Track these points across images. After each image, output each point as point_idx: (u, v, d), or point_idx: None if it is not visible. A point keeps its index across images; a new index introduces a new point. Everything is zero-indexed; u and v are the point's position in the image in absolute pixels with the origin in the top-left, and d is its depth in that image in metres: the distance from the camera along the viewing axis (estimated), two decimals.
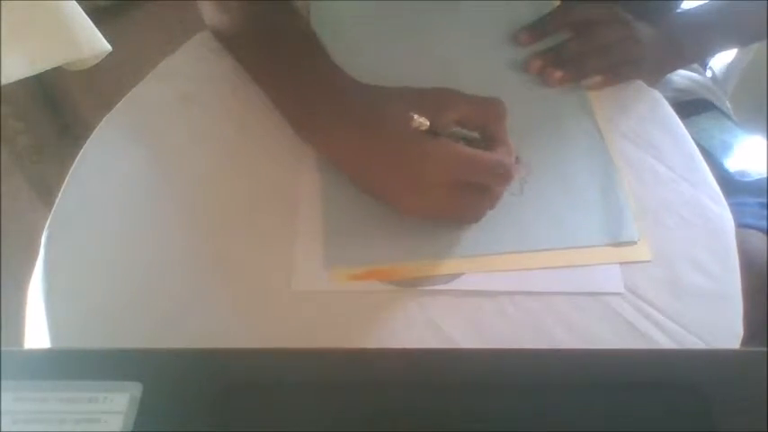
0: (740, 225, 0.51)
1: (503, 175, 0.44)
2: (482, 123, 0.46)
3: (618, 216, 0.48)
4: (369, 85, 0.48)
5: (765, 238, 0.60)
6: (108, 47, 0.74)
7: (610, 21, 0.58)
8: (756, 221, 0.61)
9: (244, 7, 0.54)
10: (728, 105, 0.78)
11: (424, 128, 0.42)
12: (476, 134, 0.47)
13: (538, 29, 0.58)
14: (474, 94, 0.46)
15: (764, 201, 0.64)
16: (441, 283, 0.45)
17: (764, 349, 0.29)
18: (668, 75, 0.74)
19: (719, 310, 0.44)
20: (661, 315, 0.44)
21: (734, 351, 0.40)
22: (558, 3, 0.61)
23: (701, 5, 0.67)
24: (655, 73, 0.61)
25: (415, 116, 0.42)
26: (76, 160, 0.49)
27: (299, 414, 0.27)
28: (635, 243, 0.47)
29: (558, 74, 0.55)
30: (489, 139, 0.46)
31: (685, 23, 0.65)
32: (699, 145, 0.54)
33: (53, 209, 0.46)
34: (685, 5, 0.70)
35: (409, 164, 0.43)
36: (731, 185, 0.59)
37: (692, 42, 0.63)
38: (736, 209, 0.50)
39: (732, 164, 0.67)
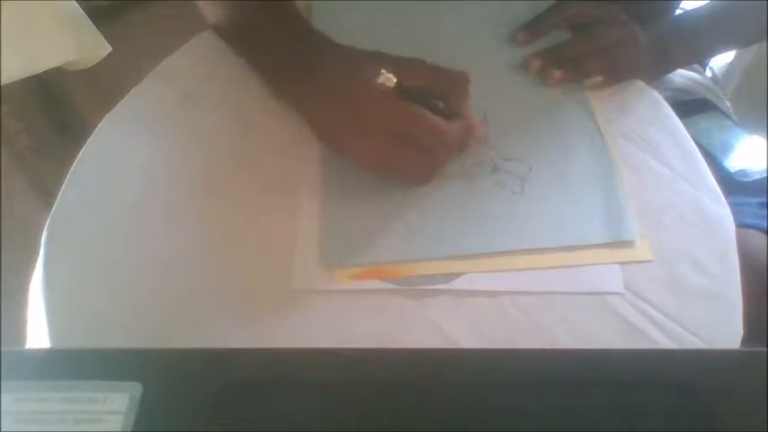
0: (740, 225, 0.51)
1: (440, 140, 0.46)
2: (444, 95, 0.48)
3: (618, 215, 0.48)
4: (344, 46, 0.50)
5: (765, 237, 0.60)
6: (108, 47, 0.74)
7: (609, 20, 0.58)
8: (756, 221, 0.61)
9: None
10: (728, 105, 0.78)
11: (390, 84, 0.45)
12: (440, 104, 0.48)
13: (534, 28, 0.58)
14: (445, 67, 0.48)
15: (764, 200, 0.64)
16: (441, 282, 0.45)
17: (764, 349, 0.29)
18: (668, 74, 0.74)
19: (719, 310, 0.44)
20: (661, 315, 0.44)
21: (734, 351, 0.40)
22: (554, 1, 0.61)
23: (700, 6, 0.67)
24: (654, 72, 0.61)
25: (383, 71, 0.45)
26: (76, 160, 0.49)
27: (299, 414, 0.27)
28: (635, 242, 0.47)
29: (558, 74, 0.55)
30: (451, 111, 0.48)
31: (684, 24, 0.65)
32: (699, 145, 0.54)
33: (53, 209, 0.46)
34: (684, 5, 0.70)
35: (356, 108, 0.46)
36: (731, 185, 0.59)
37: (690, 43, 0.63)
38: (736, 208, 0.50)
39: (732, 163, 0.67)
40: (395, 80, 0.45)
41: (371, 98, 0.45)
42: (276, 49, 0.52)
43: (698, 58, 0.74)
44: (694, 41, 0.63)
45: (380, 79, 0.45)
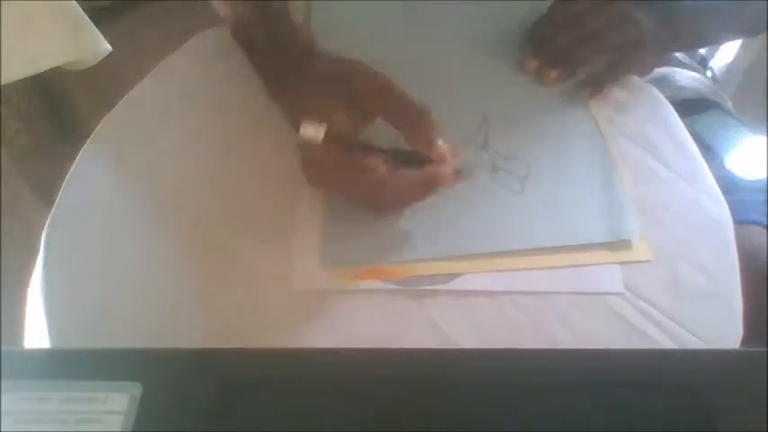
0: (742, 221, 0.51)
1: (382, 194, 0.45)
2: (408, 137, 0.45)
3: (618, 215, 0.48)
4: (315, 63, 0.48)
5: (767, 234, 0.60)
6: (108, 47, 0.74)
7: (597, 7, 0.57)
8: (758, 218, 0.61)
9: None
10: (730, 105, 0.78)
11: (317, 136, 0.43)
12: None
13: (538, 50, 0.57)
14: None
15: (766, 198, 0.64)
16: (440, 282, 0.45)
17: (764, 349, 0.29)
18: (670, 73, 0.74)
19: (719, 310, 0.44)
20: (661, 315, 0.44)
21: (734, 351, 0.40)
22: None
23: None
24: (654, 57, 0.60)
25: (306, 124, 0.43)
26: (76, 160, 0.49)
27: (298, 414, 0.27)
28: (635, 242, 0.47)
29: (554, 73, 0.55)
30: (418, 152, 0.45)
31: (688, 6, 0.64)
32: (702, 142, 0.54)
33: (53, 209, 0.46)
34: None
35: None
36: (734, 183, 0.59)
37: (689, 27, 0.62)
38: (738, 205, 0.50)
39: (735, 161, 0.67)
40: (321, 135, 0.43)
41: (316, 160, 0.45)
42: (267, 53, 0.52)
43: (694, 43, 0.73)
44: (692, 25, 0.62)
45: (303, 130, 0.43)
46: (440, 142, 0.44)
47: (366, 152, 0.45)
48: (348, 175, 0.44)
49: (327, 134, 0.43)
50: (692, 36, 0.65)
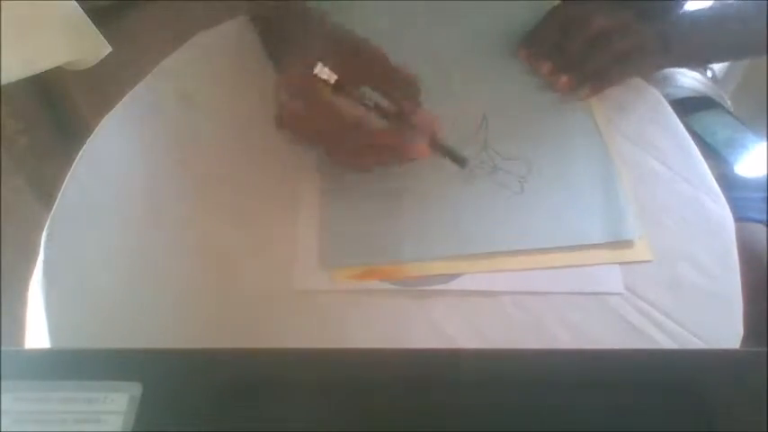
0: (743, 219, 0.51)
1: (367, 144, 0.46)
2: (395, 99, 0.48)
3: (618, 215, 0.48)
4: (322, 26, 0.50)
5: (767, 231, 0.60)
6: (108, 47, 0.74)
7: (600, 12, 0.57)
8: (759, 215, 0.61)
9: None
10: (729, 104, 0.78)
11: (330, 80, 0.45)
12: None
13: (534, 42, 0.58)
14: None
15: (766, 195, 0.64)
16: (441, 282, 0.45)
17: (764, 349, 0.29)
18: (670, 73, 0.74)
19: (719, 310, 0.44)
20: (661, 315, 0.44)
21: (734, 351, 0.40)
22: (557, 2, 0.61)
23: (703, 8, 0.66)
24: (653, 68, 0.60)
25: (320, 65, 0.45)
26: (76, 160, 0.49)
27: (299, 414, 0.27)
28: (635, 242, 0.47)
29: (564, 79, 0.55)
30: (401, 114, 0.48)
31: (686, 23, 0.64)
32: (702, 141, 0.54)
33: (53, 209, 0.46)
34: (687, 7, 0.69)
35: (291, 102, 0.46)
36: (734, 180, 0.59)
37: (690, 43, 0.62)
38: (738, 203, 0.50)
39: (735, 159, 0.67)
40: (334, 78, 0.45)
41: (303, 94, 0.46)
42: (282, 31, 0.53)
43: (696, 59, 0.74)
44: (695, 41, 0.63)
45: (317, 70, 0.45)
46: (424, 109, 0.47)
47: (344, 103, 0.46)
48: (323, 117, 0.45)
49: (316, 79, 0.45)
50: (694, 53, 0.65)
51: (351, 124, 0.45)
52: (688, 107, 0.66)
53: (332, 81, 0.46)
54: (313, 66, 0.45)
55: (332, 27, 0.50)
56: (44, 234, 0.45)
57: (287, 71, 0.48)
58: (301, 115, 0.46)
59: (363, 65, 0.48)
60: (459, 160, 0.49)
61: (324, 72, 0.45)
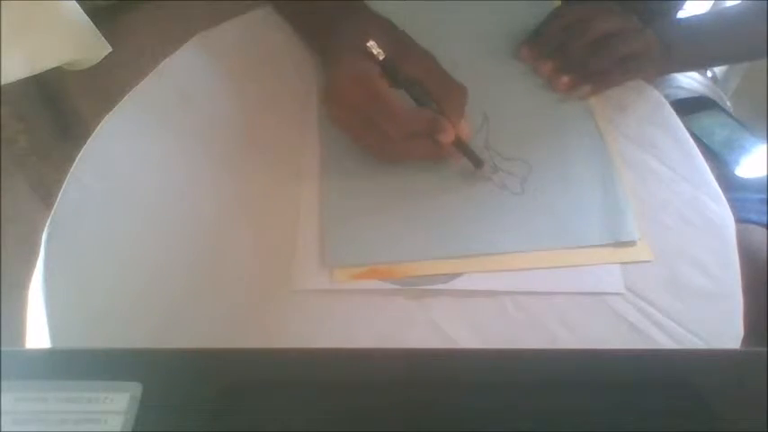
0: (742, 220, 0.51)
1: (393, 124, 0.46)
2: (439, 99, 0.48)
3: (618, 216, 0.48)
4: (370, 13, 0.52)
5: (766, 233, 0.60)
6: (108, 47, 0.74)
7: (604, 15, 0.57)
8: (758, 217, 0.61)
9: None
10: (729, 105, 0.78)
11: (378, 55, 0.46)
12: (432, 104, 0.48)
13: (537, 42, 0.57)
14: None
15: (765, 197, 0.64)
16: (441, 282, 0.45)
17: (764, 349, 0.29)
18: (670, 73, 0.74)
19: (719, 310, 0.44)
20: (661, 315, 0.44)
21: (734, 351, 0.40)
22: (557, 3, 0.61)
23: (704, 12, 0.66)
24: (654, 73, 0.61)
25: (372, 42, 0.46)
26: (76, 160, 0.49)
27: (299, 414, 0.27)
28: (635, 243, 0.47)
29: (565, 79, 0.55)
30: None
31: (685, 28, 0.64)
32: (701, 142, 0.54)
33: (53, 209, 0.46)
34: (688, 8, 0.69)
35: (336, 77, 0.48)
36: (733, 181, 0.59)
37: (690, 47, 0.62)
38: (737, 204, 0.50)
39: (734, 160, 0.67)
40: (383, 55, 0.46)
41: (349, 72, 0.46)
42: (315, 10, 0.54)
43: (696, 64, 0.73)
44: (695, 46, 0.63)
45: (369, 44, 0.46)
46: (463, 121, 0.48)
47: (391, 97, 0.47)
48: (370, 95, 0.46)
49: (364, 74, 0.46)
50: (694, 57, 0.65)
51: (397, 108, 0.45)
52: (686, 108, 0.66)
53: (380, 58, 0.46)
54: (366, 40, 0.46)
55: (379, 17, 0.52)
56: (44, 234, 0.45)
57: (340, 45, 0.48)
58: (348, 90, 0.46)
59: (413, 58, 0.48)
60: (477, 161, 0.49)
61: (375, 47, 0.46)
